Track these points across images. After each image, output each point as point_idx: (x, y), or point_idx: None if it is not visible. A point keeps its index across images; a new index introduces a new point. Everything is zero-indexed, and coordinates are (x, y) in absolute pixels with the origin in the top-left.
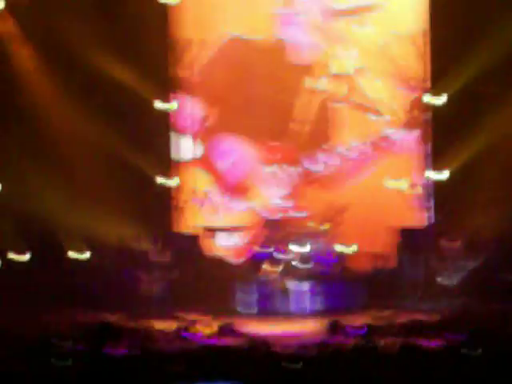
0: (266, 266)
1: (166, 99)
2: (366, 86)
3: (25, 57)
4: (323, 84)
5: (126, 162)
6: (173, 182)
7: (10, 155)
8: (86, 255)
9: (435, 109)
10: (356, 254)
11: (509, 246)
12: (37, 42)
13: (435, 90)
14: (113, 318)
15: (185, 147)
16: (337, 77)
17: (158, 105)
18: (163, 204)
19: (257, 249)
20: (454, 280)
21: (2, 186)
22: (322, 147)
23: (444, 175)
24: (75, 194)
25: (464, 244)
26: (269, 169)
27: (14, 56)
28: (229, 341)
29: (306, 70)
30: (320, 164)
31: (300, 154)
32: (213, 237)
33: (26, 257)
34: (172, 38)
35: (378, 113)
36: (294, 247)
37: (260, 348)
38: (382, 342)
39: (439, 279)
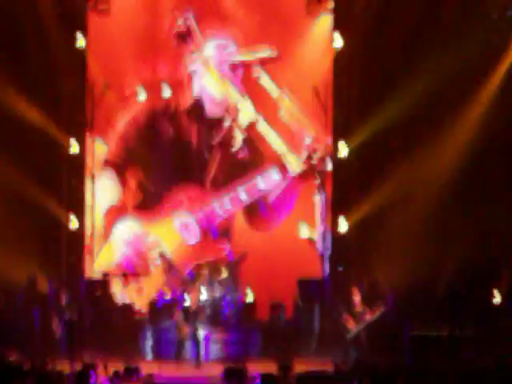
0: (168, 311)
1: (78, 140)
2: (264, 135)
3: None
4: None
5: (35, 203)
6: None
7: None
8: None
9: (337, 160)
10: (254, 303)
11: (405, 300)
12: None
13: (337, 143)
14: (14, 357)
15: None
16: (238, 126)
17: (70, 147)
18: (72, 248)
19: (160, 295)
20: (351, 332)
21: None
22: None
23: (343, 227)
24: None
25: (362, 297)
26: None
27: None
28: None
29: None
30: (223, 208)
31: (207, 198)
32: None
33: None
34: (87, 82)
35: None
36: (196, 294)
37: None
38: None
39: (337, 330)
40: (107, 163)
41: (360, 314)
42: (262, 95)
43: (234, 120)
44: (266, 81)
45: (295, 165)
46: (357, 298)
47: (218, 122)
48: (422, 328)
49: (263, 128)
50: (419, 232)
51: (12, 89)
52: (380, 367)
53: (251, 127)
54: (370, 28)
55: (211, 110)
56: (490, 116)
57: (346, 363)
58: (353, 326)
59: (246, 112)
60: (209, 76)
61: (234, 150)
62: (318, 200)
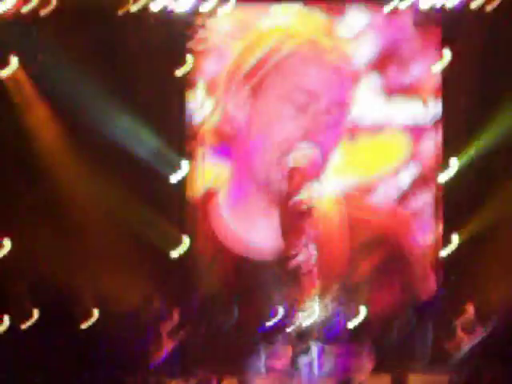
0: (281, 327)
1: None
2: None
3: (41, 119)
4: None
5: (140, 231)
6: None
7: (22, 216)
8: (94, 318)
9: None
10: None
11: None
12: (52, 104)
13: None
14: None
15: None
16: None
17: (173, 178)
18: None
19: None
20: (465, 347)
21: (13, 246)
22: None
23: (453, 246)
24: (87, 257)
25: (475, 315)
26: None
27: (29, 117)
28: None
29: None
30: None
31: None
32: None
33: (35, 317)
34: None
35: None
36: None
37: None
38: None
39: (449, 345)
40: None
41: (473, 331)
42: None
43: None
44: None
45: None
46: (470, 314)
47: None
48: None
49: None
50: None
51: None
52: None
53: None
54: (477, 46)
55: None
56: None
57: (462, 376)
58: (466, 343)
59: None
60: None
61: None
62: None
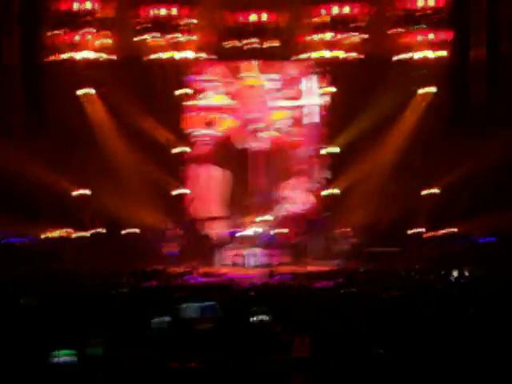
0: (231, 239)
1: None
2: None
3: (104, 122)
4: None
5: (157, 180)
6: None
7: (89, 173)
8: (136, 230)
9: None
10: (283, 234)
11: (369, 232)
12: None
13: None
14: (149, 266)
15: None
16: None
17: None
18: (180, 203)
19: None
20: (339, 250)
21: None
22: None
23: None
24: (127, 196)
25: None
26: None
27: (98, 121)
28: (211, 279)
29: None
30: None
31: None
32: (207, 222)
33: (91, 232)
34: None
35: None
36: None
37: (229, 284)
38: (295, 283)
39: (330, 249)
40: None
41: (346, 239)
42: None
43: None
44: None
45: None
46: (347, 230)
47: None
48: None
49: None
50: (374, 193)
51: (145, 117)
52: (351, 272)
53: None
54: (351, 82)
55: None
56: (411, 129)
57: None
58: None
59: None
60: None
61: None
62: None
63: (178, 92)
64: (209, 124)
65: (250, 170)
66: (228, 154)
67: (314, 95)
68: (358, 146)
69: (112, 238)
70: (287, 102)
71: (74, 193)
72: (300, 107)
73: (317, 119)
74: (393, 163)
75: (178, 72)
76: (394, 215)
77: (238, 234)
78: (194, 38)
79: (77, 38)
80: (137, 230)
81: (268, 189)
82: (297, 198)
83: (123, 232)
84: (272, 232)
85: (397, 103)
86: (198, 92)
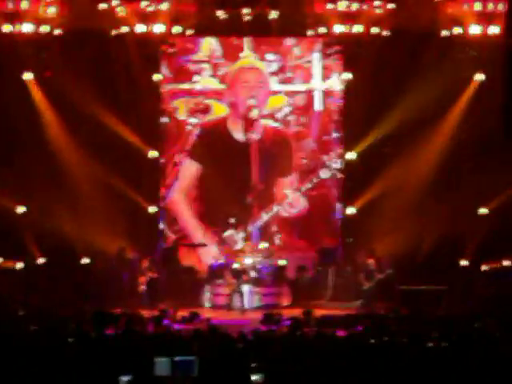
0: (222, 272)
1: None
2: None
3: (49, 115)
4: None
5: (123, 193)
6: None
7: (35, 186)
8: (88, 261)
9: (347, 163)
10: (285, 266)
11: (403, 264)
12: (57, 104)
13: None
14: (108, 308)
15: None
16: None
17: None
18: (152, 224)
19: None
20: (364, 286)
21: (27, 208)
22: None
23: (352, 211)
24: (84, 219)
25: (375, 261)
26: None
27: (42, 114)
28: (194, 325)
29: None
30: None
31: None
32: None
33: (42, 260)
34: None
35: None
36: (246, 259)
37: (215, 332)
38: (302, 331)
39: (351, 286)
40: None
41: (372, 274)
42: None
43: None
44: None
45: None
46: (371, 261)
47: None
48: (408, 284)
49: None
50: (407, 213)
51: (108, 112)
52: (378, 313)
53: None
54: (372, 63)
55: None
56: (458, 130)
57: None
58: (365, 283)
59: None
60: None
61: None
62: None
63: (155, 76)
64: (198, 112)
65: (244, 165)
66: (219, 147)
67: (325, 81)
68: (384, 151)
69: (61, 269)
70: (289, 86)
71: (18, 210)
72: (306, 93)
73: (329, 106)
74: (432, 174)
75: (150, 50)
76: (435, 242)
77: (229, 266)
78: (167, 6)
79: (23, 4)
80: (94, 260)
81: (265, 189)
82: (297, 201)
83: (77, 262)
84: (272, 263)
85: (436, 95)
86: (179, 75)
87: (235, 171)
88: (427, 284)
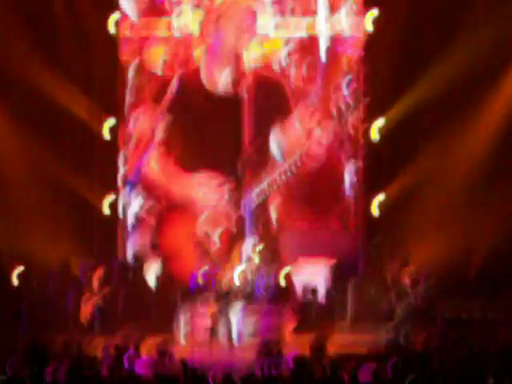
0: (201, 294)
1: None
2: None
3: None
4: None
5: (69, 188)
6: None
7: None
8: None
9: (370, 141)
10: (288, 286)
11: (446, 279)
12: None
13: (371, 124)
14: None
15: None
16: None
17: (104, 129)
18: (107, 231)
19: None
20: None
21: None
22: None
23: (377, 206)
24: (14, 218)
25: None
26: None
27: None
28: (164, 367)
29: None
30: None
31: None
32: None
33: None
34: (118, 63)
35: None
36: (234, 273)
37: (193, 375)
38: (311, 372)
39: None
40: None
41: (406, 292)
42: None
43: None
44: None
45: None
46: (405, 275)
47: None
48: (454, 310)
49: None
50: (453, 207)
51: (47, 72)
52: (415, 349)
53: None
54: (403, 10)
55: None
56: None
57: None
58: (397, 304)
59: None
60: None
61: None
62: (350, 179)
63: (111, 20)
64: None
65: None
66: (195, 103)
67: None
68: (423, 123)
69: None
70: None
71: None
72: (310, 38)
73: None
74: (487, 156)
75: None
76: (490, 250)
77: (211, 281)
78: None
79: None
80: (29, 274)
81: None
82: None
83: (6, 276)
84: (271, 274)
85: (492, 50)
86: (146, 12)
87: (221, 134)
88: (479, 307)
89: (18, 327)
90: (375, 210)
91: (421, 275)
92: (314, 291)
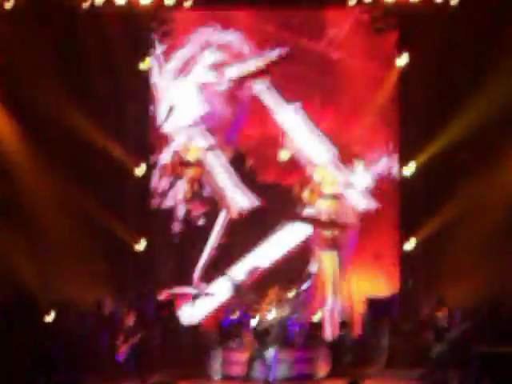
0: (237, 332)
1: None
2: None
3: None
4: None
5: (103, 226)
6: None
7: None
8: (54, 317)
9: (403, 178)
10: (321, 322)
11: (472, 317)
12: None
13: (404, 160)
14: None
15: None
16: None
17: (137, 171)
18: (138, 268)
19: (227, 315)
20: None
21: None
22: None
23: (411, 245)
24: (50, 258)
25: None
26: None
27: None
28: None
29: None
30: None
31: None
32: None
33: None
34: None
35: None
36: (268, 313)
37: None
38: None
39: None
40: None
41: (444, 332)
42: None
43: None
44: None
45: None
46: (441, 315)
47: None
48: (490, 345)
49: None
50: (487, 248)
51: (79, 112)
52: None
53: None
54: (436, 45)
55: None
56: None
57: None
58: (435, 344)
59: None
60: None
61: None
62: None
63: (142, 65)
64: None
65: None
66: None
67: None
68: (456, 162)
69: (16, 330)
70: None
71: None
72: None
73: None
74: None
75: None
76: None
77: (246, 323)
78: None
79: None
80: (62, 316)
81: None
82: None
83: (38, 319)
84: (304, 317)
85: None
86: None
87: None
88: None
89: (53, 369)
90: (411, 249)
91: (456, 316)
92: (347, 324)
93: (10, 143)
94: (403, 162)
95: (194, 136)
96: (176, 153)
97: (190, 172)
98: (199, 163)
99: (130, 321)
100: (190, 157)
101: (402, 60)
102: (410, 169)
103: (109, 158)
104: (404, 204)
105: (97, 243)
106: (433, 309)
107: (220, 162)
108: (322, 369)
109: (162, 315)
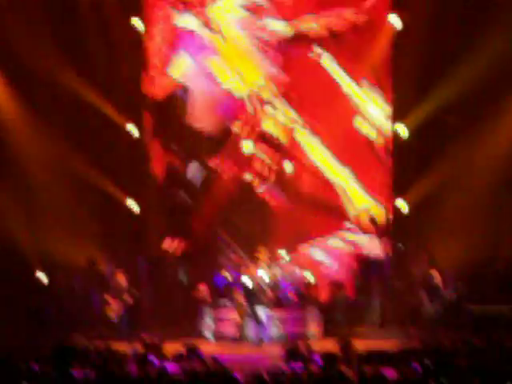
0: (229, 292)
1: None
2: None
3: None
4: None
5: (95, 186)
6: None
7: None
8: (47, 276)
9: (397, 141)
10: (315, 284)
11: (466, 276)
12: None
13: (398, 120)
14: (77, 339)
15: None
16: None
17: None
18: (129, 228)
19: (219, 273)
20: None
21: None
22: None
23: (404, 207)
24: (40, 217)
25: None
26: None
27: None
28: (193, 365)
29: None
30: None
31: None
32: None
33: None
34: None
35: None
36: (259, 272)
37: (221, 373)
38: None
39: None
40: None
41: (438, 290)
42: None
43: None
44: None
45: None
46: (435, 273)
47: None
48: (483, 305)
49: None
50: (478, 208)
51: (72, 72)
52: (443, 347)
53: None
54: (429, 7)
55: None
56: None
57: (408, 343)
58: (429, 303)
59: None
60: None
61: None
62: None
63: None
64: None
65: None
66: None
67: None
68: (447, 123)
69: (9, 288)
70: None
71: None
72: None
73: None
74: None
75: None
76: None
77: (238, 281)
78: None
79: None
80: (54, 275)
81: None
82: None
83: (31, 277)
84: (296, 277)
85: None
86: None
87: None
88: (508, 304)
89: (45, 326)
90: (402, 210)
91: (449, 276)
92: (340, 286)
93: (0, 103)
94: (395, 123)
95: None
96: None
97: None
98: None
99: (122, 280)
100: None
101: (396, 23)
102: (402, 131)
103: (102, 118)
104: (396, 165)
105: (89, 204)
106: (425, 269)
107: None
108: (314, 328)
109: (154, 273)
